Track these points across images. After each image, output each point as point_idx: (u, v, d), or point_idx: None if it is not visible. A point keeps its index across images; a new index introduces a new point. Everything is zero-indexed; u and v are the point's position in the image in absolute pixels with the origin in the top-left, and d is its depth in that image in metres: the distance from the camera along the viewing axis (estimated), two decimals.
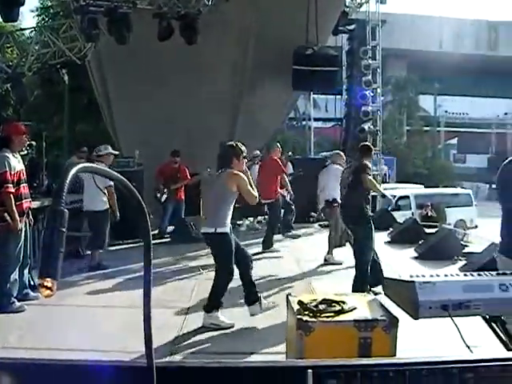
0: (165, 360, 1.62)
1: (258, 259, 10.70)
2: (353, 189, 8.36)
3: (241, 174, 6.84)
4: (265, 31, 14.23)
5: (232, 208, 6.88)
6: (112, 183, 9.49)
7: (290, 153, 16.76)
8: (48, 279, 1.18)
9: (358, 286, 7.82)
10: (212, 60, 14.44)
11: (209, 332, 6.52)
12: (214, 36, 13.43)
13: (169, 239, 12.93)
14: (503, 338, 3.78)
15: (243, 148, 6.99)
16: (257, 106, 15.91)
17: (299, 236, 13.50)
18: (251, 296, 7.01)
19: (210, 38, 13.17)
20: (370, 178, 8.36)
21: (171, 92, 14.56)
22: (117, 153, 11.14)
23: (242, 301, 7.10)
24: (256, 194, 6.89)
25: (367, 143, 9.62)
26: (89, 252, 10.53)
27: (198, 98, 14.90)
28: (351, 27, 18.79)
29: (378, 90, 18.72)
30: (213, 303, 6.79)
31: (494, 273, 3.41)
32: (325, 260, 10.72)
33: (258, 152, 13.92)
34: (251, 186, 6.86)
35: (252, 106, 15.94)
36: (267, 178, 11.81)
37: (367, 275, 8.06)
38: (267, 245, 11.83)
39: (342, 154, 11.52)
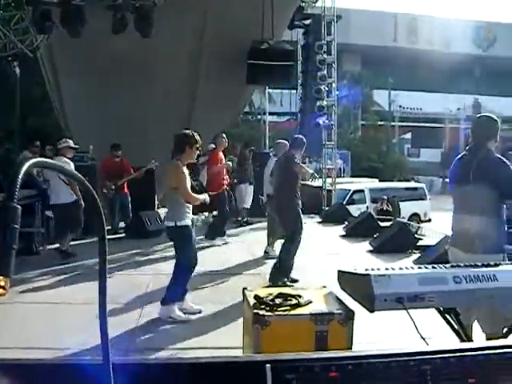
0: (122, 357, 1.59)
1: (213, 252, 10.72)
2: (281, 180, 8.41)
3: (180, 168, 6.73)
4: (220, 25, 14.15)
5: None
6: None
7: (253, 147, 16.71)
8: (0, 277, 1.15)
9: (277, 275, 7.87)
10: (167, 53, 14.30)
11: (165, 327, 6.49)
12: (168, 28, 13.29)
13: (123, 235, 12.81)
14: (457, 329, 3.85)
15: (197, 137, 6.92)
16: (212, 99, 15.82)
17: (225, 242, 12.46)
18: (175, 296, 6.94)
19: (165, 30, 13.04)
20: (296, 165, 8.36)
21: (125, 85, 14.37)
22: (77, 147, 11.02)
23: (201, 294, 7.09)
24: (189, 193, 6.73)
25: (300, 136, 9.51)
26: (53, 246, 10.63)
27: (153, 90, 14.76)
28: (307, 22, 18.80)
29: (333, 85, 18.78)
30: (171, 296, 6.76)
31: (447, 265, 3.46)
32: (265, 252, 10.69)
33: (213, 145, 13.88)
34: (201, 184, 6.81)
35: (207, 99, 15.84)
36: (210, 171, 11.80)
37: (289, 265, 8.12)
38: (211, 235, 11.78)
39: (285, 143, 10.79)
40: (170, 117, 14.91)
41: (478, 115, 5.29)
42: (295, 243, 8.21)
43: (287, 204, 8.30)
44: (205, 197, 7.04)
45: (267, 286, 6.01)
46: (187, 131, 7.00)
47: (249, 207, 14.76)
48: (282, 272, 8.05)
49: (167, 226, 6.90)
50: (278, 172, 8.87)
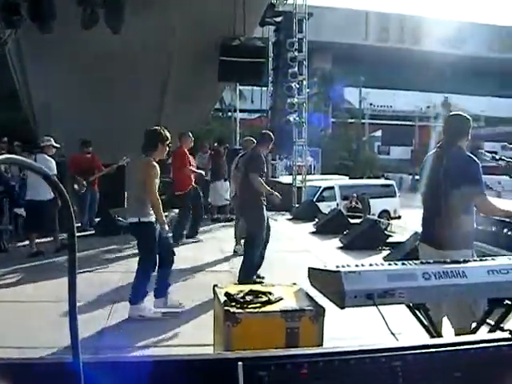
0: (92, 355, 1.57)
1: (184, 250, 10.67)
2: (245, 177, 8.36)
3: (152, 165, 6.69)
4: (192, 21, 14.08)
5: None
6: (55, 172, 9.87)
7: (227, 144, 16.74)
8: None
9: (244, 274, 7.84)
10: (137, 49, 14.18)
11: (135, 324, 6.44)
12: (139, 24, 13.18)
13: (92, 232, 12.71)
14: (427, 324, 3.89)
15: (168, 134, 6.90)
16: (183, 96, 15.76)
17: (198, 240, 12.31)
18: (162, 290, 6.95)
19: (136, 27, 12.92)
20: (258, 177, 8.13)
21: (94, 81, 14.21)
22: (58, 146, 11.10)
23: (172, 291, 7.06)
24: (155, 193, 6.63)
25: (267, 132, 9.28)
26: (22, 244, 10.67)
27: (123, 86, 14.62)
28: (278, 19, 18.81)
29: (304, 82, 18.84)
30: (137, 294, 6.72)
31: (417, 262, 3.50)
32: (234, 252, 10.61)
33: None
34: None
35: (178, 96, 15.78)
36: (176, 170, 11.62)
37: (253, 263, 8.10)
38: (175, 237, 11.59)
39: (253, 140, 10.58)
40: (140, 113, 14.80)
41: (452, 113, 5.33)
42: (257, 242, 8.11)
43: (251, 202, 8.21)
44: (168, 215, 6.99)
45: (238, 284, 6.01)
46: (159, 127, 6.96)
47: (229, 203, 14.64)
48: (247, 270, 7.99)
49: (130, 221, 6.86)
50: (242, 169, 8.80)
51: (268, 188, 8.27)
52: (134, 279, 6.80)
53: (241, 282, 7.50)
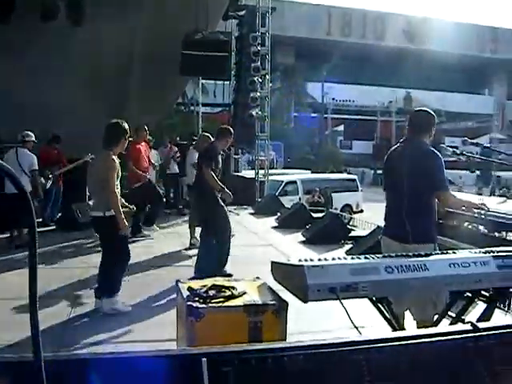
0: (53, 353, 1.55)
1: (146, 244, 10.63)
2: (200, 170, 8.34)
3: (111, 160, 6.63)
4: (155, 15, 13.98)
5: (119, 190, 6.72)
6: (37, 168, 10.68)
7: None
8: None
9: (210, 269, 7.73)
10: (99, 42, 14.00)
11: (97, 320, 6.39)
12: (101, 17, 13.01)
13: (54, 227, 12.55)
14: (389, 318, 3.93)
15: (127, 127, 6.85)
16: (145, 89, 15.62)
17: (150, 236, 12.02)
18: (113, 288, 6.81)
19: (98, 19, 12.76)
20: (210, 171, 8.12)
21: (54, 74, 13.99)
22: (35, 141, 11.29)
23: (134, 286, 7.01)
24: (114, 188, 6.56)
25: (225, 126, 9.36)
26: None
27: (83, 79, 14.45)
28: (241, 13, 18.78)
29: (267, 77, 18.84)
30: (109, 288, 6.68)
31: (379, 256, 3.53)
32: (190, 244, 10.57)
33: (149, 137, 13.71)
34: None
35: (140, 90, 15.63)
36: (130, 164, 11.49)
37: (216, 258, 8.04)
38: (133, 231, 11.48)
39: (208, 136, 10.63)
40: (102, 106, 14.63)
41: (417, 109, 5.38)
42: (219, 236, 8.06)
43: (205, 195, 8.17)
44: (127, 211, 6.91)
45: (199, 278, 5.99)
46: (119, 121, 6.90)
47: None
48: (209, 267, 7.88)
49: (94, 216, 6.79)
50: (197, 164, 8.78)
51: (220, 184, 8.19)
52: (104, 273, 6.75)
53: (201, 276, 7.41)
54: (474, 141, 5.51)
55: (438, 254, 3.63)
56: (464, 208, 4.81)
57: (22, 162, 10.50)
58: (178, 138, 17.94)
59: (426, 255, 3.51)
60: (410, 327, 4.56)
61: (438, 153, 4.84)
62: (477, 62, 62.89)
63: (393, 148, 5.26)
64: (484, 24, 69.54)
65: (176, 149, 15.82)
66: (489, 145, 7.00)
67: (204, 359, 1.53)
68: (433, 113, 5.16)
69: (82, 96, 14.37)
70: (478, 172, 46.93)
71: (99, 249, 7.40)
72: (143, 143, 11.95)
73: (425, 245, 4.52)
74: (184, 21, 14.35)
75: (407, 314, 4.76)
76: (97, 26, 12.95)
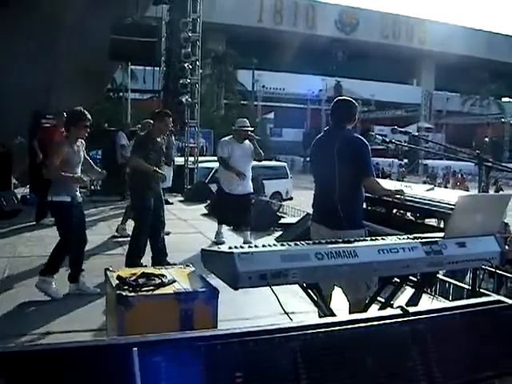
0: None
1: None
2: (131, 157, 8.28)
3: (60, 146, 6.65)
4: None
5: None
6: None
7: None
8: None
9: (129, 261, 7.61)
10: (26, 26, 13.66)
11: (24, 311, 6.23)
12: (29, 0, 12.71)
13: None
14: (320, 304, 3.98)
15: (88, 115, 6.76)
16: (74, 75, 15.32)
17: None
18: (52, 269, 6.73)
19: (24, 2, 12.45)
20: (136, 157, 7.93)
21: None
22: None
23: (62, 275, 6.88)
24: (52, 169, 6.57)
25: (164, 110, 9.32)
26: None
27: (14, 62, 14.06)
28: None
29: (197, 63, 18.71)
30: (49, 268, 6.60)
31: (309, 242, 3.56)
32: (117, 231, 10.48)
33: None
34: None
35: (69, 75, 15.32)
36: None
37: (137, 250, 7.79)
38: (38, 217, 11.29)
39: (151, 123, 10.53)
40: (29, 93, 14.29)
41: (338, 98, 5.42)
42: (141, 226, 7.91)
43: (137, 184, 8.02)
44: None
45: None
46: (79, 108, 6.83)
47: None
48: (132, 256, 7.75)
49: (47, 200, 6.77)
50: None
51: (148, 166, 7.90)
52: (51, 252, 6.69)
53: (129, 265, 7.27)
54: (403, 129, 5.60)
55: (367, 240, 3.69)
56: (385, 194, 4.87)
57: None
58: (106, 125, 17.67)
59: (356, 241, 3.56)
60: (342, 312, 4.63)
61: (365, 140, 4.90)
62: (405, 52, 64.27)
63: (318, 136, 5.31)
64: (413, 16, 71.00)
65: None
66: (417, 133, 7.14)
67: (135, 349, 1.51)
68: (354, 101, 5.23)
69: (9, 83, 14.01)
70: (405, 160, 47.96)
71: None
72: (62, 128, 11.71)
73: (354, 231, 4.58)
74: (114, 5, 14.13)
75: (342, 296, 4.82)
76: (23, 9, 12.61)
